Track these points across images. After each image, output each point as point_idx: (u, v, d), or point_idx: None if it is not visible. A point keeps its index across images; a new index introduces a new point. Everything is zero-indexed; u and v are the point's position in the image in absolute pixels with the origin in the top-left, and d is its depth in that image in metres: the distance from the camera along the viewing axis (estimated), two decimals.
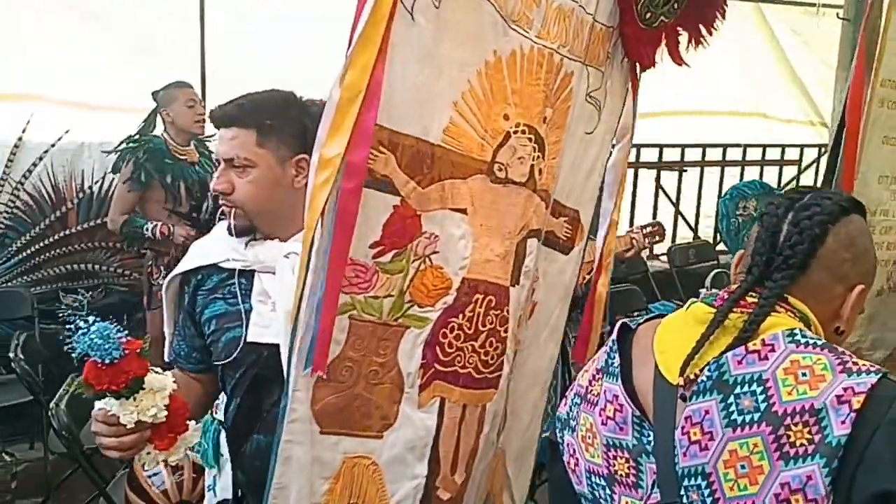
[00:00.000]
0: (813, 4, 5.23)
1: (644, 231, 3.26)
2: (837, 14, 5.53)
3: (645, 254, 5.84)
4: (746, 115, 6.66)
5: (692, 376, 1.14)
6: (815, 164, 6.49)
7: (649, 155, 5.88)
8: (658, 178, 5.92)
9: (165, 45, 4.65)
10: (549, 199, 1.88)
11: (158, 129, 4.07)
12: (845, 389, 1.05)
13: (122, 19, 4.52)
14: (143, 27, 4.59)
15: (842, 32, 5.59)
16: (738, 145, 6.21)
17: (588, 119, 2.00)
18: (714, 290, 1.25)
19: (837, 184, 2.74)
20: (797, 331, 1.13)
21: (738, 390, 1.10)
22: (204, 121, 4.06)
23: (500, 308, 1.73)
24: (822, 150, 6.33)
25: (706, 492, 1.10)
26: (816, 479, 1.03)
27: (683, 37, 2.06)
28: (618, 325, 1.32)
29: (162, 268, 3.97)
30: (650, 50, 2.02)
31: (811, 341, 1.12)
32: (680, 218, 6.06)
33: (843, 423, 1.03)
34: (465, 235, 1.65)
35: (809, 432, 1.04)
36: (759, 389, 1.08)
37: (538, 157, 1.75)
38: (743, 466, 1.07)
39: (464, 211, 1.64)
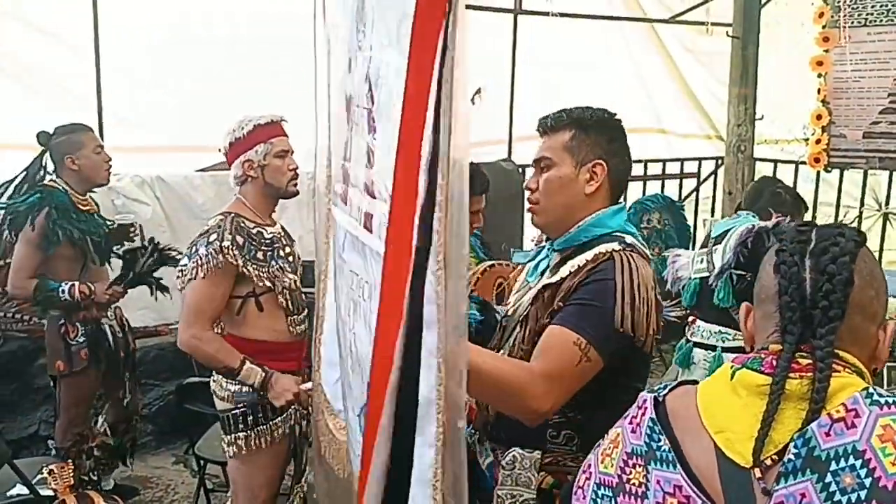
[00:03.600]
0: (703, 23, 5.43)
1: None
2: (727, 32, 5.77)
3: None
4: (646, 132, 6.86)
5: (770, 461, 1.05)
6: (713, 176, 6.73)
7: None
8: None
9: (57, 78, 4.49)
10: None
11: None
12: None
13: (9, 52, 4.35)
14: (33, 61, 4.42)
15: (732, 49, 5.83)
16: (638, 161, 6.38)
17: None
18: (756, 355, 1.15)
19: None
20: (871, 390, 1.06)
21: (833, 466, 1.01)
22: (111, 168, 3.73)
23: None
24: (719, 161, 6.57)
25: None
26: None
27: None
28: (648, 399, 1.19)
29: (79, 325, 3.63)
30: None
31: (890, 400, 1.05)
32: None
33: None
34: None
35: None
36: (858, 463, 1.00)
37: None
38: None
39: None
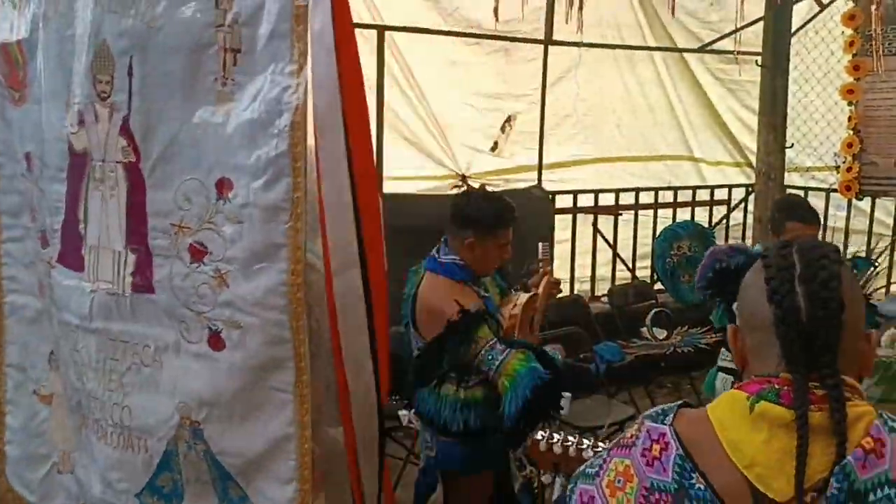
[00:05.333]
0: (732, 52, 5.48)
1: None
2: (756, 62, 5.81)
3: (587, 296, 5.96)
4: (677, 159, 6.89)
5: (810, 497, 1.05)
6: (743, 204, 6.74)
7: (586, 200, 6.02)
8: (595, 223, 6.05)
9: None
10: None
11: None
12: None
13: None
14: None
15: (761, 78, 5.86)
16: (669, 188, 6.42)
17: None
18: (769, 385, 1.13)
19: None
20: (884, 416, 1.10)
21: (872, 497, 1.03)
22: None
23: None
24: (749, 189, 6.58)
25: None
26: None
27: None
28: (668, 433, 1.15)
29: None
30: None
31: None
32: (618, 260, 6.20)
33: None
34: None
35: None
36: (892, 492, 1.03)
37: None
38: None
39: None
